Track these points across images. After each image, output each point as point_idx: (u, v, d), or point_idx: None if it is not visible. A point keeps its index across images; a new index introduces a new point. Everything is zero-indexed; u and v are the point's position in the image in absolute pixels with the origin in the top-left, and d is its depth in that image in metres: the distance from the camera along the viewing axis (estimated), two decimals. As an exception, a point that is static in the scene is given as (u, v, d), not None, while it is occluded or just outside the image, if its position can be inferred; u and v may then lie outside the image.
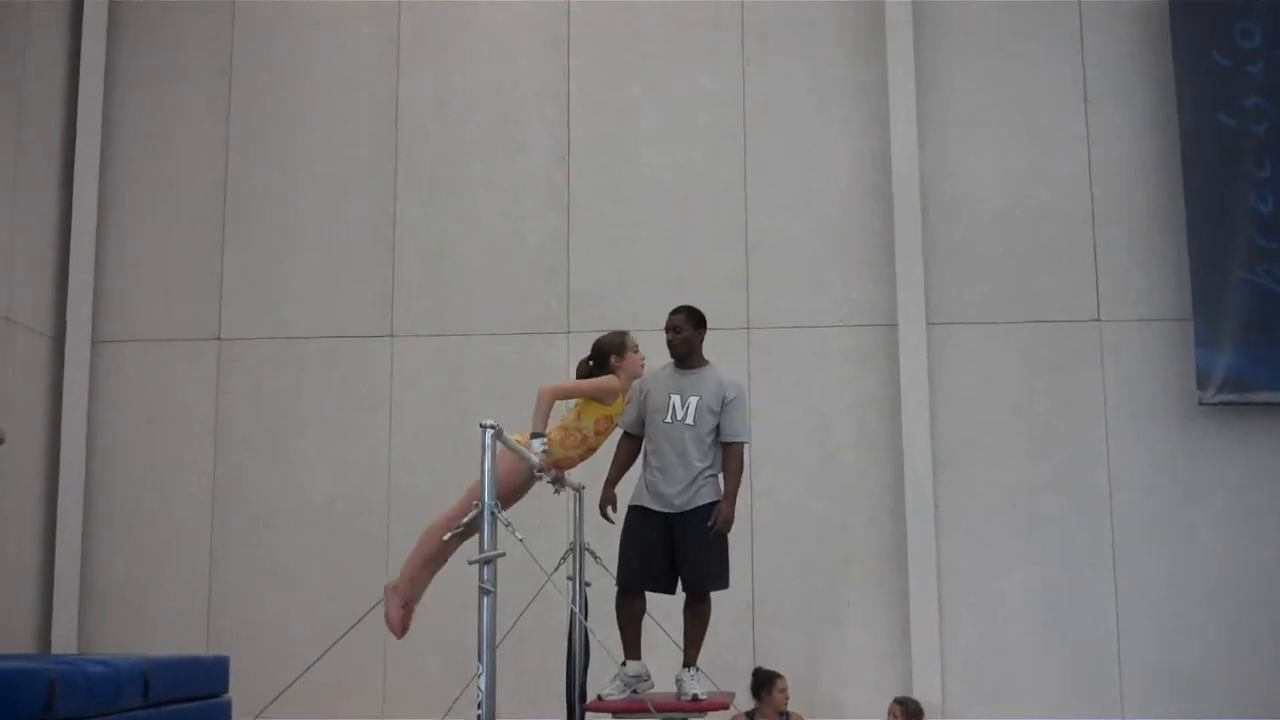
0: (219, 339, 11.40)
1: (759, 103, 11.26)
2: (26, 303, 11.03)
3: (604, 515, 7.23)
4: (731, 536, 10.30)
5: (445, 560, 6.52)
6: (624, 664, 6.91)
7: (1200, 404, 10.40)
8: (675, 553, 7.05)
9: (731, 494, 7.10)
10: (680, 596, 7.21)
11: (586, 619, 6.99)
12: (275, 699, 6.15)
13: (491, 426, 5.81)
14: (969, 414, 10.71)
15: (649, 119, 11.39)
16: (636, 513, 7.14)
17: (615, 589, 7.17)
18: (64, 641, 10.83)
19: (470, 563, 5.62)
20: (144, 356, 11.42)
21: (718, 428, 7.12)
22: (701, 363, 7.33)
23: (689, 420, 7.06)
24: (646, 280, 10.98)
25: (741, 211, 11.16)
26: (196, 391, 11.33)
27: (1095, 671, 10.27)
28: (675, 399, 7.08)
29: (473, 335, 11.17)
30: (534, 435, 6.46)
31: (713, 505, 7.07)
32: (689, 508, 7.01)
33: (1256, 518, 10.39)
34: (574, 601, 7.07)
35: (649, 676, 6.99)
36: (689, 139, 11.31)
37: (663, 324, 10.49)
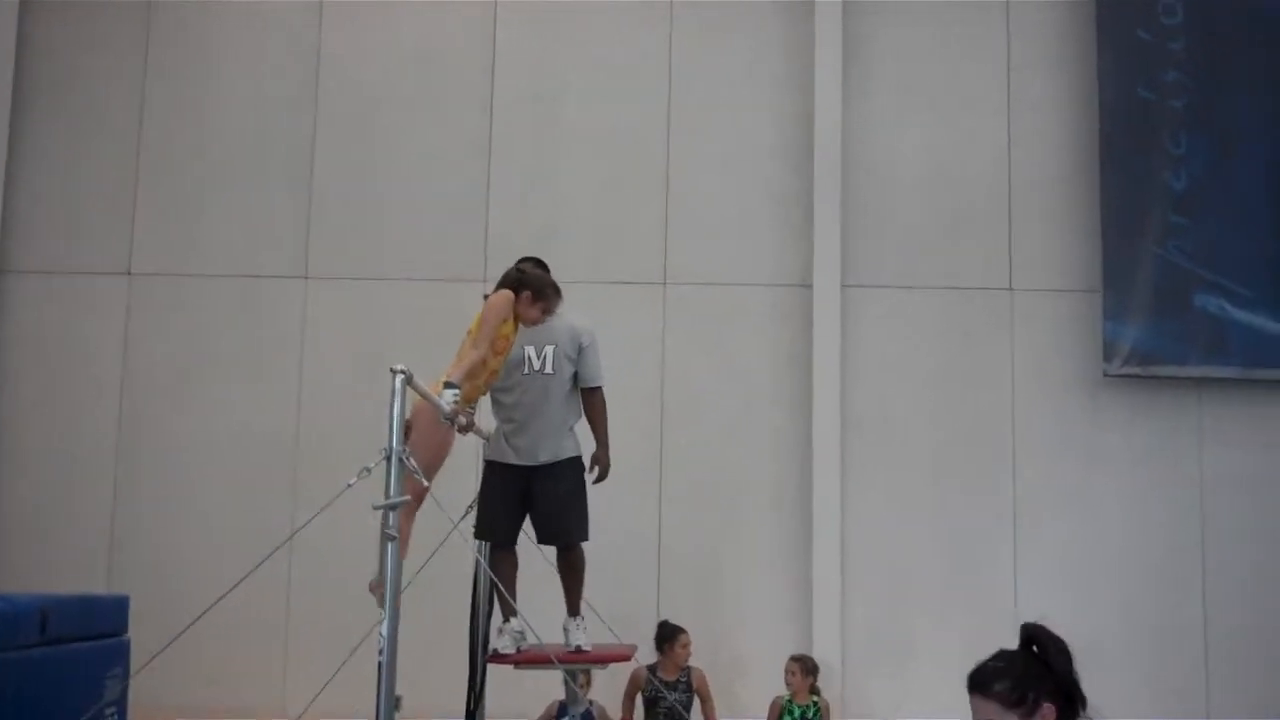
0: (129, 274, 11.23)
1: (684, 59, 11.24)
2: (-68, 230, 10.81)
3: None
4: (641, 488, 10.43)
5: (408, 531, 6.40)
6: (506, 620, 6.87)
7: (1105, 375, 10.56)
8: (532, 505, 6.97)
9: (604, 439, 7.03)
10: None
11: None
12: (170, 643, 6.09)
13: (402, 371, 5.77)
14: (880, 376, 10.81)
15: (574, 72, 11.34)
16: (495, 469, 7.05)
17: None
18: (-38, 577, 10.69)
19: (375, 508, 5.59)
20: (52, 289, 11.23)
21: (575, 376, 7.06)
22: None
23: (548, 369, 6.98)
24: (565, 231, 10.95)
25: (663, 167, 11.15)
26: (105, 326, 11.16)
27: (993, 634, 10.34)
28: (530, 350, 6.99)
29: (389, 280, 11.10)
30: (447, 385, 6.41)
31: (573, 459, 7.00)
32: (552, 460, 6.94)
33: (1157, 488, 10.61)
34: (479, 550, 7.04)
35: (525, 634, 6.92)
36: (613, 93, 11.27)
37: (582, 276, 10.58)
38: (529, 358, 6.96)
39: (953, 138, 11.09)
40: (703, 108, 11.21)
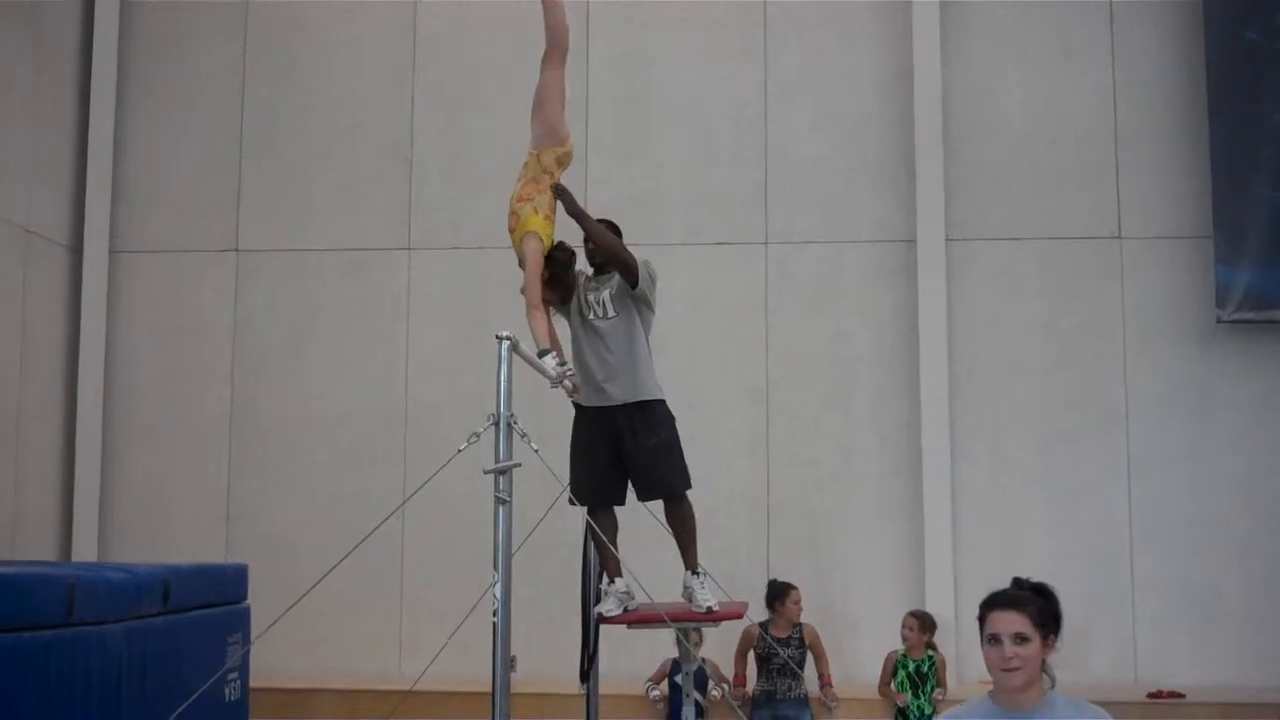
0: (237, 250, 11.41)
1: (781, 19, 11.13)
2: (45, 214, 11.05)
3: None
4: (748, 449, 10.43)
5: None
6: (611, 582, 6.86)
7: (1219, 322, 10.35)
8: (625, 462, 6.92)
9: (591, 227, 6.92)
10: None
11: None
12: (291, 606, 6.20)
13: (508, 338, 5.82)
14: (987, 331, 10.69)
15: (670, 34, 11.29)
16: (581, 414, 7.04)
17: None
18: (85, 548, 10.95)
19: (486, 471, 5.64)
20: (162, 267, 11.44)
21: (636, 313, 7.00)
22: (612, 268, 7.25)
23: (609, 314, 6.97)
24: (666, 194, 10.96)
25: (762, 128, 11.08)
26: (214, 303, 11.36)
27: (1109, 587, 10.30)
28: (591, 297, 7.01)
29: (489, 248, 11.11)
30: (541, 353, 6.44)
31: (656, 403, 6.94)
32: (631, 399, 6.88)
33: (1273, 435, 10.37)
34: (589, 512, 7.06)
35: (633, 594, 6.90)
36: (711, 56, 11.21)
37: (682, 238, 10.57)
38: (592, 305, 6.96)
39: (1055, 87, 10.90)
40: (800, 65, 11.12)
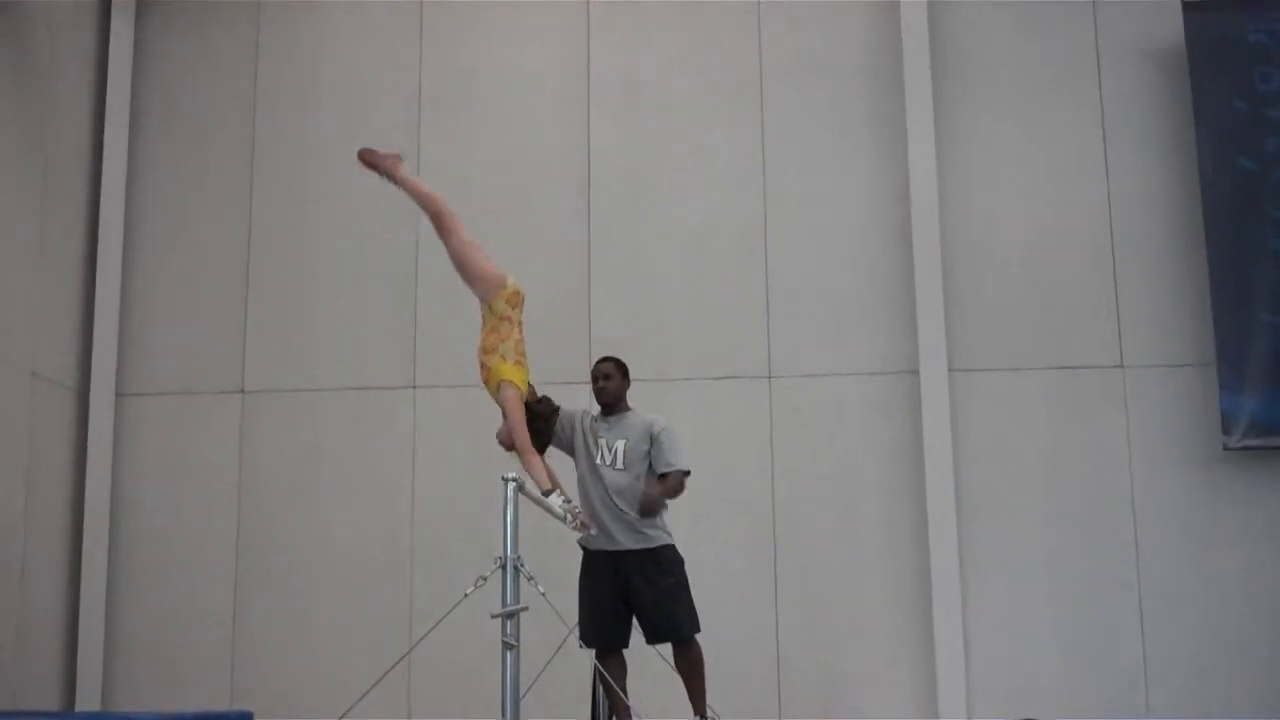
0: (243, 391, 11.44)
1: (778, 149, 11.26)
2: (52, 356, 11.08)
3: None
4: (756, 584, 10.37)
5: None
6: None
7: (1225, 449, 10.33)
8: (632, 604, 6.91)
9: (659, 492, 6.97)
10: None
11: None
12: (299, 756, 6.15)
13: (514, 479, 5.83)
14: (993, 461, 10.66)
15: (668, 168, 11.42)
16: (588, 557, 7.03)
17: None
18: (89, 695, 10.81)
19: (493, 616, 5.62)
20: (168, 409, 11.46)
21: (651, 467, 7.03)
22: (626, 408, 7.29)
23: (619, 465, 6.99)
24: (667, 329, 11.01)
25: (761, 259, 11.16)
26: (220, 444, 11.36)
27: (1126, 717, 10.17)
28: (603, 442, 7.03)
29: (494, 385, 11.16)
30: (545, 493, 6.44)
31: (665, 548, 6.94)
32: (639, 546, 6.88)
33: (1284, 561, 10.31)
34: (597, 655, 7.01)
35: None
36: (708, 188, 11.32)
37: (686, 374, 10.59)
38: (601, 450, 6.98)
39: (1052, 213, 10.98)
40: (798, 196, 11.22)
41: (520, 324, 6.90)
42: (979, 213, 11.04)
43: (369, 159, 7.30)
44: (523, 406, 6.68)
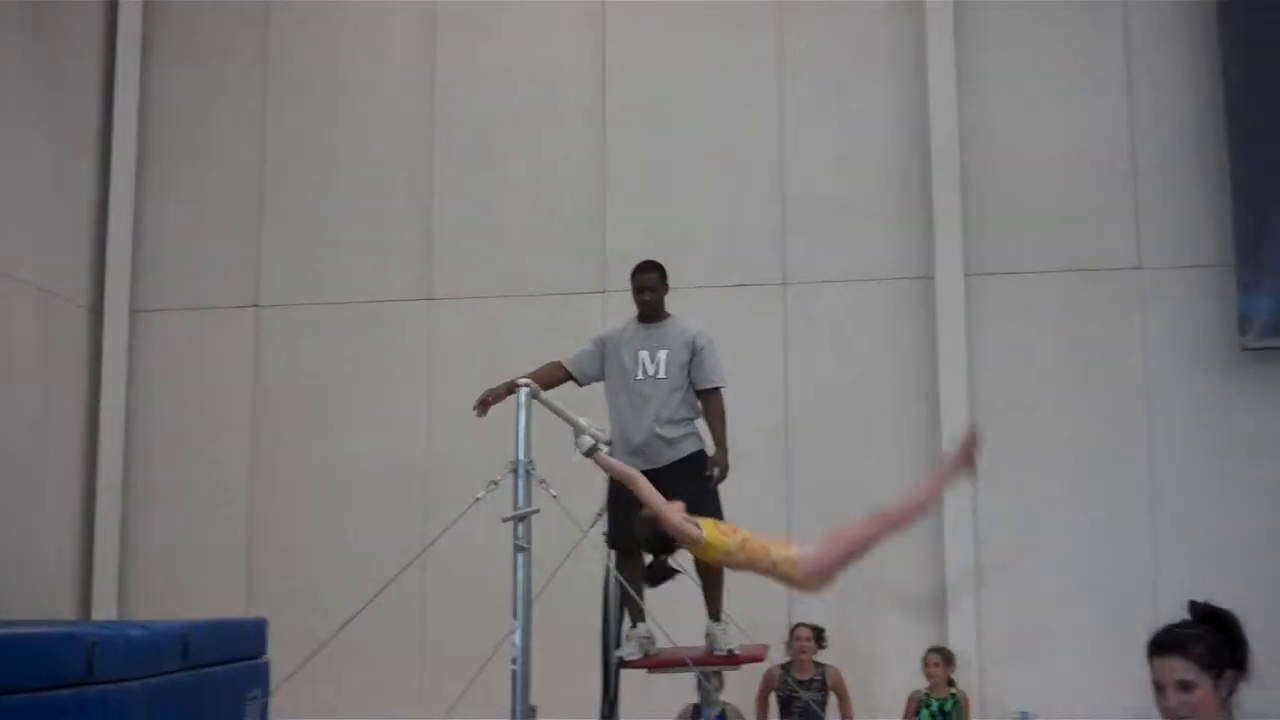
0: (256, 306, 11.45)
1: (795, 59, 11.15)
2: (65, 274, 11.12)
3: (482, 402, 6.70)
4: (770, 489, 10.37)
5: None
6: (634, 626, 6.84)
7: (1242, 349, 10.27)
8: None
9: (722, 441, 6.96)
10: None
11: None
12: (310, 657, 6.18)
13: (526, 385, 5.81)
14: (1008, 365, 10.61)
15: (684, 80, 11.32)
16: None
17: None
18: (105, 606, 10.96)
19: (504, 519, 5.63)
20: (182, 325, 11.49)
21: (690, 379, 7.02)
22: (665, 316, 7.22)
23: (660, 374, 6.96)
24: (682, 239, 10.93)
25: (777, 168, 11.08)
26: (235, 358, 11.39)
27: (1132, 621, 10.12)
28: (644, 354, 6.98)
29: (509, 297, 11.17)
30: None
31: (698, 454, 6.93)
32: (674, 459, 6.89)
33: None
34: (609, 558, 7.04)
35: (654, 638, 6.86)
36: (725, 98, 11.22)
37: (702, 281, 10.53)
38: (643, 363, 6.96)
39: (1072, 119, 10.86)
40: (814, 105, 11.12)
41: (749, 546, 5.91)
42: (998, 123, 10.92)
43: (971, 448, 5.64)
44: (678, 532, 5.81)
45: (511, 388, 6.26)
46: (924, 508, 5.80)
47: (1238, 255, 10.32)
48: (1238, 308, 10.26)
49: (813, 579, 5.57)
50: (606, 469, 6.05)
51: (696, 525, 5.39)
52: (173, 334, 11.48)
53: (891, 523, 5.66)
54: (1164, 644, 3.50)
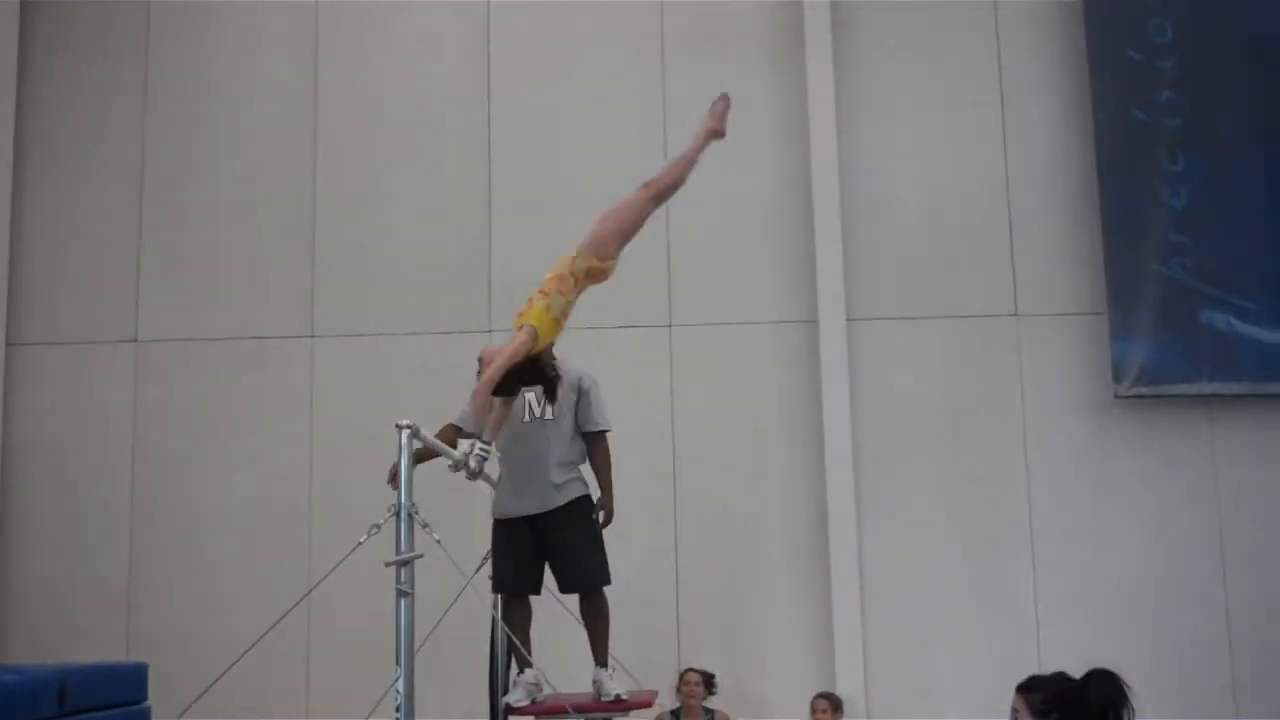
0: (136, 341, 11.27)
1: (677, 102, 11.22)
2: (-61, 306, 10.87)
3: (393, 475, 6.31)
4: (656, 532, 10.40)
5: None
6: (520, 672, 6.83)
7: (1116, 396, 10.53)
8: (547, 553, 6.93)
9: (608, 485, 6.94)
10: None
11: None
12: (193, 703, 6.08)
13: (408, 426, 5.77)
14: (890, 408, 10.78)
15: (570, 120, 11.37)
16: (502, 525, 7.02)
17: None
18: (-20, 651, 10.69)
19: (387, 564, 5.58)
20: (60, 359, 11.28)
21: (576, 421, 7.04)
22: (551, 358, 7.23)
23: (549, 415, 6.97)
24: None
25: (664, 212, 11.08)
26: (114, 394, 11.20)
27: (1016, 664, 10.28)
28: (530, 396, 6.99)
29: (394, 335, 11.11)
30: (467, 435, 6.34)
31: (581, 500, 6.95)
32: (556, 504, 6.90)
33: (1173, 509, 10.53)
34: (495, 605, 7.02)
35: (541, 685, 6.86)
36: (609, 140, 11.26)
37: (589, 322, 10.50)
38: (529, 404, 6.95)
39: (949, 166, 11.09)
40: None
41: (579, 293, 6.56)
42: (877, 169, 11.10)
43: (723, 108, 7.08)
44: (522, 354, 6.40)
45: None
46: (682, 176, 6.95)
47: (1110, 304, 10.58)
48: (1112, 355, 10.51)
49: (601, 256, 6.57)
50: (478, 415, 6.29)
51: (524, 330, 6.30)
52: (51, 368, 11.26)
53: (655, 190, 6.85)
54: (1021, 683, 3.95)
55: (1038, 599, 10.46)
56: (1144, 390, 10.49)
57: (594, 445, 7.04)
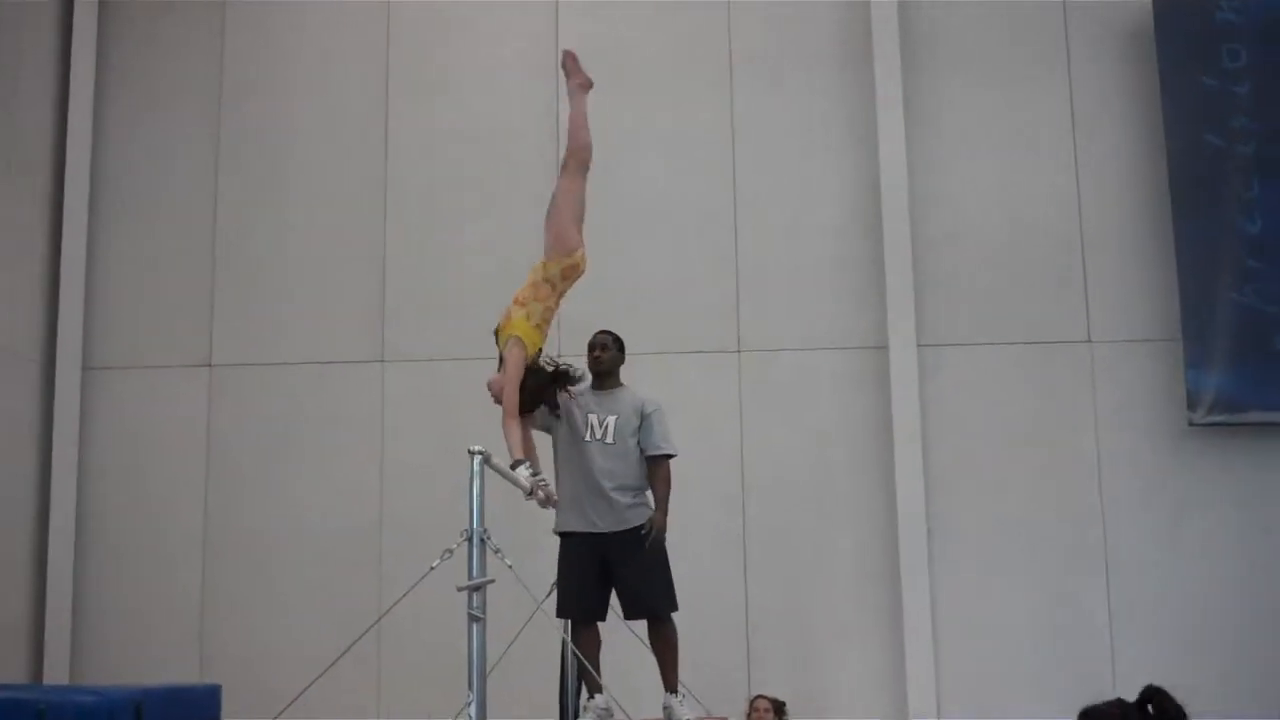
0: (210, 365, 11.39)
1: (749, 130, 11.25)
2: (17, 329, 11.04)
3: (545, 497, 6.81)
4: (725, 558, 10.38)
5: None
6: (591, 698, 6.84)
7: (1191, 424, 10.41)
8: (614, 579, 6.94)
9: (663, 501, 6.96)
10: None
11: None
12: (267, 727, 6.15)
13: (480, 452, 5.82)
14: (961, 435, 10.71)
15: (639, 149, 11.35)
16: (568, 541, 7.03)
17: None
18: (57, 671, 10.78)
19: (459, 589, 5.62)
20: (135, 382, 11.41)
21: (640, 445, 7.05)
22: (618, 384, 7.27)
23: (609, 439, 6.99)
24: (639, 306, 10.97)
25: (732, 237, 11.16)
26: (188, 417, 11.31)
27: (1090, 692, 10.19)
28: (593, 418, 7.02)
29: (463, 359, 11.14)
30: (514, 464, 6.44)
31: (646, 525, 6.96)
32: (620, 528, 6.91)
33: (1246, 538, 10.39)
34: (564, 629, 7.03)
35: (612, 710, 6.86)
36: (680, 168, 11.29)
37: (655, 348, 10.57)
38: (591, 425, 6.99)
39: (1021, 192, 11.03)
40: (768, 174, 11.22)
41: (561, 296, 6.87)
42: (948, 195, 11.07)
43: (572, 63, 7.59)
44: (523, 368, 6.62)
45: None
46: (585, 137, 7.52)
47: (1185, 331, 10.47)
48: (1186, 384, 10.40)
49: (568, 250, 7.07)
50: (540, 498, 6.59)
51: (513, 346, 6.61)
52: (126, 391, 11.39)
53: (574, 164, 7.49)
54: (1082, 714, 3.77)
55: (1113, 627, 10.34)
56: (1218, 418, 10.36)
57: (655, 467, 7.06)
